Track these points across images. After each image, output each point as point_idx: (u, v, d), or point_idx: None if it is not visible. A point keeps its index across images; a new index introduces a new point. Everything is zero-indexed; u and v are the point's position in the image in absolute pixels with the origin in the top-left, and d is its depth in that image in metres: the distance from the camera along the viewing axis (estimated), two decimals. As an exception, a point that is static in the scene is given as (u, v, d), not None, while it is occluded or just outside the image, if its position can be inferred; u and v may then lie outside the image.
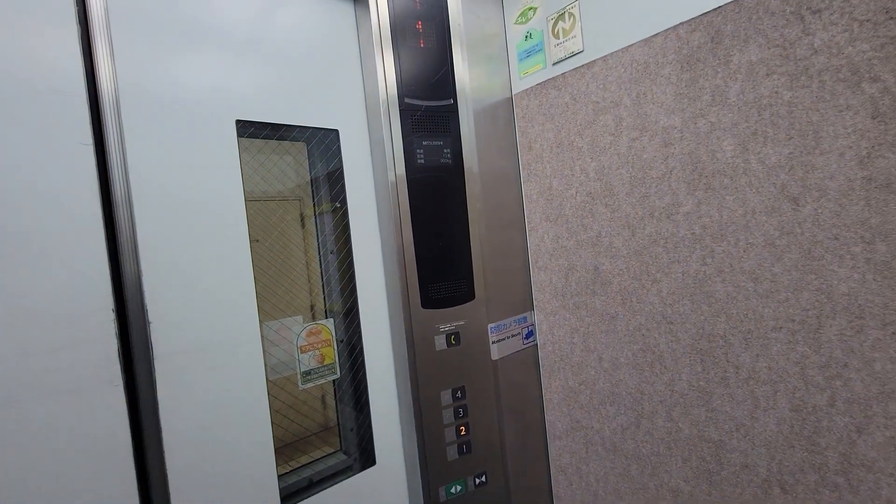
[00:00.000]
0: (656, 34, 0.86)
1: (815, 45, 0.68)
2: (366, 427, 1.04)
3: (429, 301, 1.00)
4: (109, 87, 0.74)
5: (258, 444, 0.86)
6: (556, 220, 1.09)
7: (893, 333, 0.65)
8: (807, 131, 0.70)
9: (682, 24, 0.82)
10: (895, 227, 0.63)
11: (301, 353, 0.99)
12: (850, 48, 0.65)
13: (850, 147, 0.66)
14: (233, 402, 0.83)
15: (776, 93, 0.73)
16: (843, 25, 0.66)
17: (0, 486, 0.62)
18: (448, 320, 1.03)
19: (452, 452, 1.02)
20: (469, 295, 1.04)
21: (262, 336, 0.88)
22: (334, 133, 1.01)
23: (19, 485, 0.64)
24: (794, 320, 0.74)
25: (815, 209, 0.70)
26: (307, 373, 1.00)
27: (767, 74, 0.73)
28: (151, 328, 0.75)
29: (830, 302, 0.70)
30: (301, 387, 0.99)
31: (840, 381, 0.70)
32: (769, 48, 0.73)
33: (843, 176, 0.67)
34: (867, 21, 0.64)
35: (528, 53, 1.10)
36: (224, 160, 0.85)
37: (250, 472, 0.85)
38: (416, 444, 1.00)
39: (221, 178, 0.84)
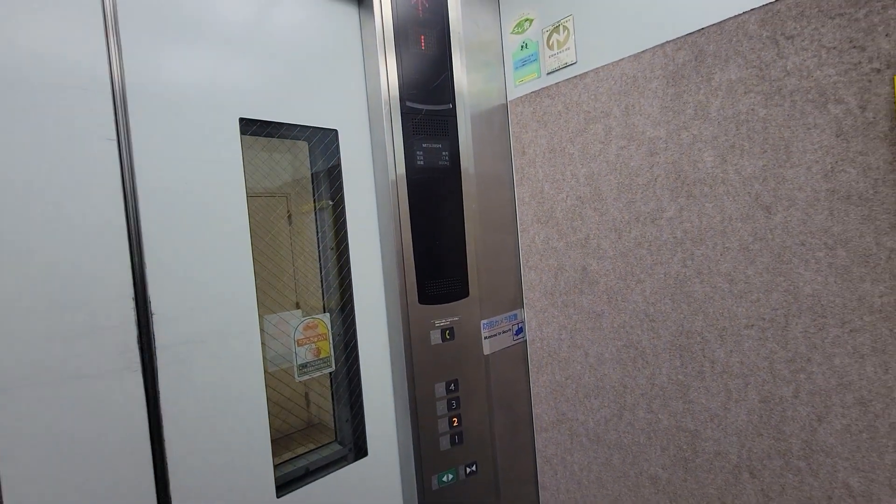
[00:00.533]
0: (645, 50, 0.92)
1: (788, 67, 0.75)
2: (359, 419, 1.07)
3: (425, 297, 1.05)
4: (117, 84, 0.76)
5: (255, 434, 0.88)
6: (546, 222, 1.14)
7: (851, 331, 0.72)
8: (779, 146, 0.77)
9: (668, 42, 0.88)
10: (854, 235, 0.70)
11: (298, 346, 1.02)
12: (818, 72, 0.72)
13: (817, 162, 0.73)
14: (232, 393, 0.85)
15: (752, 110, 0.79)
16: (812, 51, 0.73)
17: (24, 465, 0.65)
18: (443, 316, 1.07)
19: (445, 442, 1.07)
20: (463, 292, 1.09)
21: (260, 329, 0.90)
22: (333, 133, 1.04)
23: (42, 465, 0.66)
24: (764, 318, 0.80)
25: (785, 217, 0.77)
26: (303, 365, 1.02)
27: (745, 92, 0.80)
28: (154, 319, 0.77)
29: (797, 302, 0.77)
30: (297, 379, 1.02)
31: (804, 374, 0.77)
32: (747, 68, 0.79)
33: (809, 187, 0.74)
34: (833, 48, 0.71)
35: (524, 62, 1.15)
36: (227, 157, 0.87)
37: (247, 461, 0.87)
38: (410, 434, 1.04)
39: (224, 174, 0.86)
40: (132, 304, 0.73)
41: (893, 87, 0.66)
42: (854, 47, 0.69)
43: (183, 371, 0.80)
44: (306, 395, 1.18)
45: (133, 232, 0.76)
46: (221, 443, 0.84)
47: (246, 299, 0.88)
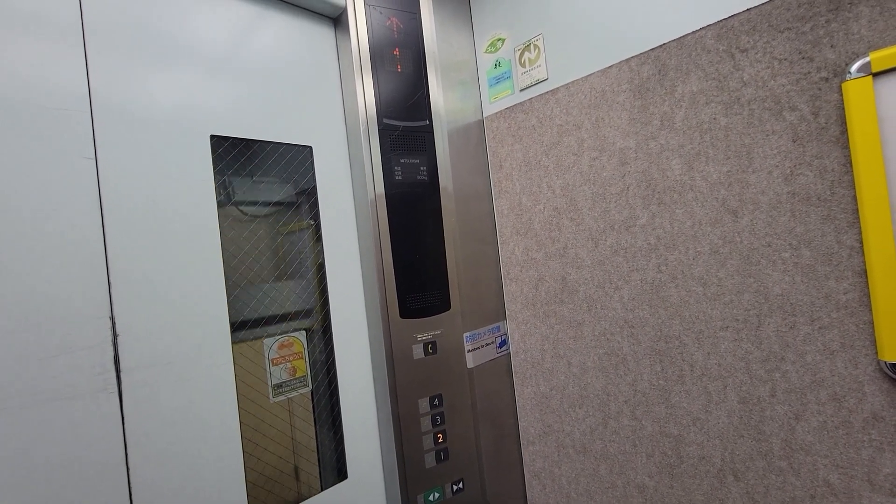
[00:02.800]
0: (611, 65, 0.96)
1: (745, 78, 0.79)
2: (338, 440, 1.04)
3: (407, 311, 1.04)
4: (94, 104, 0.75)
5: (227, 461, 0.84)
6: (525, 233, 1.16)
7: (820, 328, 0.74)
8: (741, 152, 0.80)
9: (633, 57, 0.92)
10: (816, 235, 0.73)
11: (272, 365, 0.99)
12: (772, 82, 0.76)
13: (777, 166, 0.76)
14: (202, 416, 0.82)
15: (714, 119, 0.83)
16: (765, 63, 0.77)
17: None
18: (425, 330, 1.06)
19: (430, 459, 1.05)
20: (445, 305, 1.09)
21: (232, 349, 0.88)
22: (308, 150, 1.04)
23: (14, 490, 0.63)
24: (738, 320, 0.82)
25: (751, 220, 0.80)
26: (278, 385, 1.00)
27: (706, 103, 0.83)
28: (119, 341, 0.74)
29: (767, 302, 0.79)
30: (272, 400, 0.98)
31: (779, 373, 0.78)
32: (707, 80, 0.83)
33: (772, 191, 0.77)
34: (785, 59, 0.75)
35: (498, 80, 1.18)
36: (198, 175, 0.85)
37: (218, 490, 0.83)
38: (394, 452, 1.02)
39: (195, 192, 0.85)
40: (109, 323, 0.71)
41: (842, 94, 0.70)
42: (803, 58, 0.73)
43: (149, 394, 0.76)
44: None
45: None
46: (191, 470, 0.80)
47: (217, 319, 0.85)
